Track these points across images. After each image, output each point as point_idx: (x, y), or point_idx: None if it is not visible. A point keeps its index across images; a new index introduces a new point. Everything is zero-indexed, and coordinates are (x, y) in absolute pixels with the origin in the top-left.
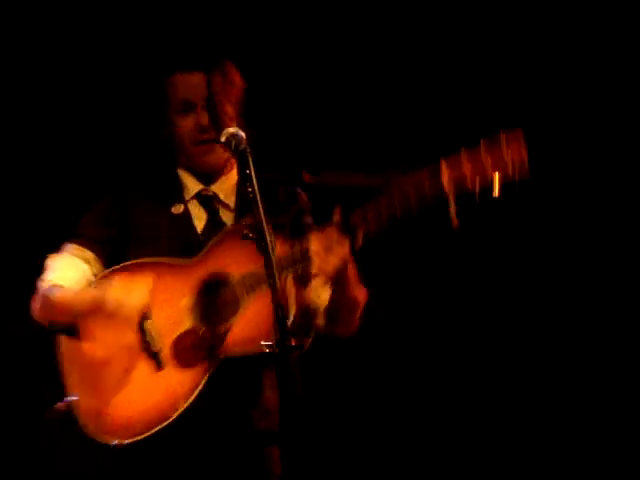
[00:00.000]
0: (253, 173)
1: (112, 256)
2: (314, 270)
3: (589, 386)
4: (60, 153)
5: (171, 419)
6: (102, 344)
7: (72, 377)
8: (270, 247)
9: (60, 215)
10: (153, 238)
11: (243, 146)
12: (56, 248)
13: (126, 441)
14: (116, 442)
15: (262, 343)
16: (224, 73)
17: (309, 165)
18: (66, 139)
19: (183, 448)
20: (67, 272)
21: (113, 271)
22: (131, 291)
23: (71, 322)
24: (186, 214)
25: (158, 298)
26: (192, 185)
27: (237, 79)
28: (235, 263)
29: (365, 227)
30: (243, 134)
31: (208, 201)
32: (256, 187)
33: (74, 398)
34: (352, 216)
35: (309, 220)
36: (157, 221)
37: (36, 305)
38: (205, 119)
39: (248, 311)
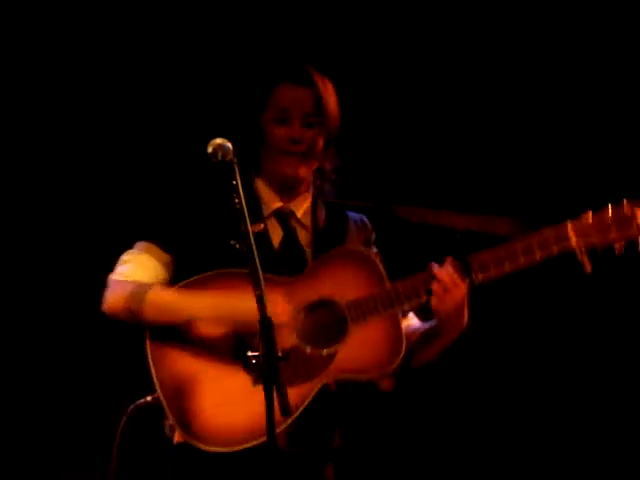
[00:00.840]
0: (240, 184)
1: (186, 263)
2: (431, 306)
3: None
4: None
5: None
6: (199, 349)
7: (163, 377)
8: (256, 258)
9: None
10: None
11: (230, 157)
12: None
13: (222, 449)
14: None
15: (248, 354)
16: (327, 96)
17: (389, 196)
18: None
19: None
20: (145, 273)
21: (209, 277)
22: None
23: (177, 323)
24: (265, 233)
25: None
26: (270, 201)
27: (335, 105)
28: (342, 287)
29: (485, 274)
30: (230, 145)
31: (285, 218)
32: (243, 198)
33: (158, 395)
34: (471, 261)
35: (374, 250)
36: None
37: (117, 300)
38: (298, 132)
39: (355, 339)
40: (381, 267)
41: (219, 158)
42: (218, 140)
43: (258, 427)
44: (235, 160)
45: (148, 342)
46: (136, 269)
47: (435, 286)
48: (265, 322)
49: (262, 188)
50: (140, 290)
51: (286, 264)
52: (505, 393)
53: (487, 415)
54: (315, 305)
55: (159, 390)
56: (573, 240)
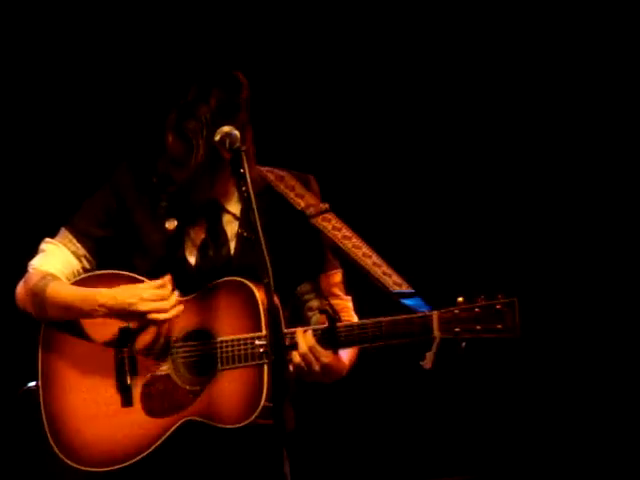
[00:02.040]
0: (247, 172)
1: (102, 255)
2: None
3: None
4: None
5: (131, 462)
6: (80, 354)
7: (45, 370)
8: (264, 247)
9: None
10: (144, 250)
11: (237, 145)
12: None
13: (82, 468)
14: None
15: (256, 342)
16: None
17: None
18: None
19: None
20: (57, 264)
21: (99, 277)
22: (163, 293)
23: (63, 318)
24: (179, 233)
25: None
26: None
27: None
28: (226, 321)
29: (347, 347)
30: (237, 133)
31: (208, 208)
32: (250, 186)
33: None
34: (338, 333)
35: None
36: (151, 233)
37: (23, 291)
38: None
39: (219, 382)
40: (264, 307)
41: (227, 146)
42: (226, 128)
43: (119, 452)
44: (243, 148)
45: (42, 329)
46: (48, 260)
47: (296, 359)
48: (272, 311)
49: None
50: (40, 286)
51: (203, 266)
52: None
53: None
54: (193, 335)
55: (39, 383)
56: (436, 329)
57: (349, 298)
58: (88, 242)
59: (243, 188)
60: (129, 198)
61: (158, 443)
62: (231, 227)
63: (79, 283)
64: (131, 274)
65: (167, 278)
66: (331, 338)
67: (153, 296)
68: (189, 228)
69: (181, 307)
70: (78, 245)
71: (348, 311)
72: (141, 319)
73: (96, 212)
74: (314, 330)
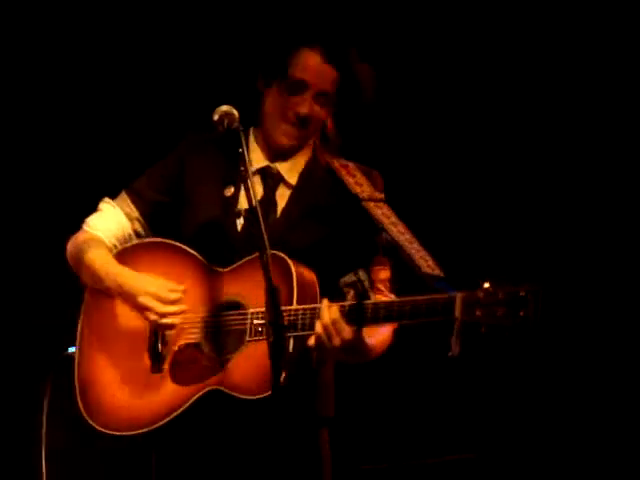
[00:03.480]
0: (245, 152)
1: (158, 220)
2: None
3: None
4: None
5: (156, 426)
6: (116, 320)
7: (83, 333)
8: (263, 229)
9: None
10: (200, 217)
11: (235, 125)
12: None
13: (108, 432)
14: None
15: (254, 322)
16: (356, 82)
17: None
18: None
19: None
20: (110, 224)
21: (146, 245)
22: (166, 297)
23: (94, 287)
24: (233, 199)
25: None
26: (256, 159)
27: (368, 90)
28: (259, 292)
29: (371, 325)
30: (236, 113)
31: (268, 177)
32: (248, 165)
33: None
34: (365, 309)
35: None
36: (209, 200)
37: (70, 249)
38: (308, 109)
39: (246, 354)
40: (299, 282)
41: (225, 126)
42: (224, 107)
43: (143, 419)
44: (241, 128)
45: (86, 294)
46: (101, 220)
47: (318, 328)
48: (271, 290)
49: (253, 147)
50: (82, 249)
51: (250, 233)
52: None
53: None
54: (226, 305)
55: (77, 347)
56: (458, 310)
57: (392, 296)
58: (142, 205)
59: (242, 168)
60: (196, 166)
61: (181, 410)
62: (282, 199)
63: (127, 252)
64: (177, 244)
65: (181, 288)
66: (356, 314)
67: (155, 295)
68: (242, 194)
69: (177, 320)
70: (132, 207)
71: None
72: (138, 310)
73: (156, 177)
74: (341, 305)
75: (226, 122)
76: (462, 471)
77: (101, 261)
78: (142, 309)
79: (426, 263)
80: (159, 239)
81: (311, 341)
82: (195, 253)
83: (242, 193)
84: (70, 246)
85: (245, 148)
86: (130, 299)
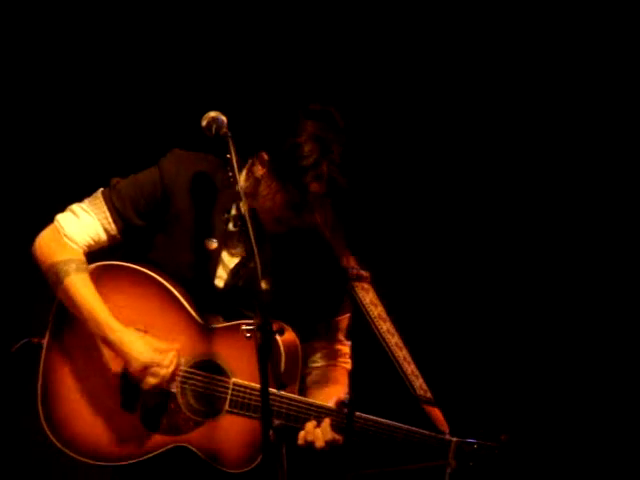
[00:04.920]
0: (234, 157)
1: (131, 239)
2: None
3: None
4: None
5: (117, 464)
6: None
7: (53, 345)
8: (252, 237)
9: None
10: (182, 259)
11: (224, 130)
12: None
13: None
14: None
15: (243, 327)
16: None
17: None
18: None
19: None
20: (87, 235)
21: (134, 274)
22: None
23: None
24: (217, 255)
25: (157, 336)
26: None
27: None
28: (245, 365)
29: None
30: (224, 118)
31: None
32: (237, 172)
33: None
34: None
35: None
36: (192, 246)
37: (44, 251)
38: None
39: (223, 424)
40: (284, 364)
41: (213, 132)
42: (212, 113)
43: (108, 451)
44: (229, 134)
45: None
46: (79, 230)
47: (302, 437)
48: (261, 294)
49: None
50: (64, 269)
51: (231, 292)
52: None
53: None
54: (207, 365)
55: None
56: (451, 459)
57: (349, 343)
58: (122, 224)
59: (230, 173)
60: (180, 199)
61: (148, 456)
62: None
63: (112, 272)
64: (165, 282)
65: (175, 347)
66: (346, 427)
67: (152, 364)
68: (225, 251)
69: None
70: (112, 225)
71: (346, 357)
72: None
73: (139, 200)
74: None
75: (214, 128)
76: None
77: (85, 296)
78: (137, 377)
79: (418, 382)
80: (148, 270)
81: (300, 440)
82: (181, 298)
83: (225, 255)
84: (44, 248)
85: (233, 154)
86: (120, 358)
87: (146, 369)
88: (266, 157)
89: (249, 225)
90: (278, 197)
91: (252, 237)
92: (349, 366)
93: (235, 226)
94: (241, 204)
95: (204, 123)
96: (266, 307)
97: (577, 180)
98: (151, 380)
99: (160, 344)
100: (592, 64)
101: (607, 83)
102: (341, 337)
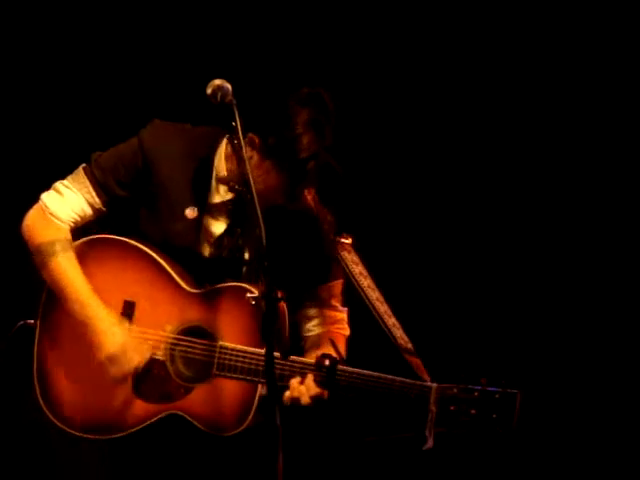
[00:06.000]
0: (239, 125)
1: (117, 211)
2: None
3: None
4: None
5: (110, 437)
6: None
7: (46, 323)
8: (256, 200)
9: None
10: (168, 230)
11: (229, 98)
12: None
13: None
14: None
15: (247, 295)
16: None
17: None
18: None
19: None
20: (72, 211)
21: (120, 245)
22: (132, 357)
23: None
24: (198, 223)
25: (145, 306)
26: (224, 192)
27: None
28: (231, 328)
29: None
30: (229, 86)
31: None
32: (242, 139)
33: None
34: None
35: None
36: (176, 214)
37: (32, 233)
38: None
39: (212, 387)
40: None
41: (218, 99)
42: (217, 81)
43: (102, 422)
44: (234, 101)
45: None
46: (64, 207)
47: (287, 395)
48: (264, 263)
49: (219, 163)
50: (49, 250)
51: (217, 260)
52: None
53: None
54: (193, 330)
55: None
56: (432, 402)
57: (345, 310)
58: (105, 196)
59: (235, 141)
60: (161, 168)
61: (141, 426)
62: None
63: (97, 245)
64: (151, 252)
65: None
66: (329, 381)
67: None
68: (208, 219)
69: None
70: (96, 199)
71: (343, 323)
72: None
73: (120, 170)
74: (315, 375)
75: (219, 95)
76: None
77: (72, 278)
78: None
79: (398, 332)
80: (134, 242)
81: (286, 399)
82: (168, 267)
83: (210, 221)
84: (30, 227)
85: (238, 121)
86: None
87: (109, 361)
88: (257, 140)
89: (253, 191)
90: (270, 181)
91: (257, 203)
92: (346, 332)
93: (232, 190)
94: (247, 170)
95: (209, 91)
96: (270, 277)
97: (576, 179)
98: (112, 371)
99: (132, 342)
100: (592, 64)
101: (607, 83)
102: (335, 303)
